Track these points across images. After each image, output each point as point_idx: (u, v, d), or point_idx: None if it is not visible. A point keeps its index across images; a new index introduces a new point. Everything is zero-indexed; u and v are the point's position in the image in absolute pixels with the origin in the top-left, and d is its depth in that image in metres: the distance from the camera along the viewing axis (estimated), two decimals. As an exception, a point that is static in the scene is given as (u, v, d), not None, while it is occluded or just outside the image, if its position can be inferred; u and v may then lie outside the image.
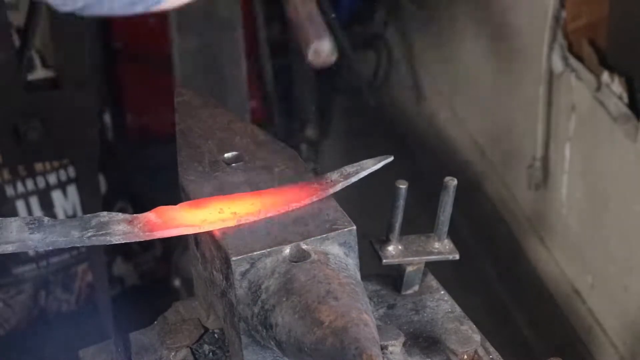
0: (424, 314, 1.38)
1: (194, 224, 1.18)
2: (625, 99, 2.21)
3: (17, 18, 2.38)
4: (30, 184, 2.70)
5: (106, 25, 3.18)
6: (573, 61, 2.40)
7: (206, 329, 1.34)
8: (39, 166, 2.70)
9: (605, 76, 2.27)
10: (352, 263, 1.17)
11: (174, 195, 1.28)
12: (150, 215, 1.20)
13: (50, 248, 1.16)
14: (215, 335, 1.34)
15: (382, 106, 3.59)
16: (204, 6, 2.38)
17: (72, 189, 2.74)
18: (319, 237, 1.16)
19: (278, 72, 3.26)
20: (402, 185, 1.32)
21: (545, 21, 2.45)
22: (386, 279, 1.44)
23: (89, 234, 1.16)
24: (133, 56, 3.22)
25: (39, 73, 2.55)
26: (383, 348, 1.21)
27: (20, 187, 2.69)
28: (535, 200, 2.73)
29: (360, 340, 1.02)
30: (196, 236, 1.26)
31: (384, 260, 1.36)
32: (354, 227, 1.18)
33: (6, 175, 2.68)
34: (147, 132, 3.24)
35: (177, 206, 1.22)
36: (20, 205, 2.70)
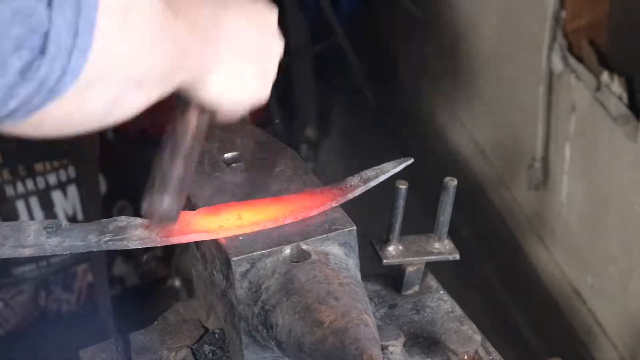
0: (424, 314, 1.38)
1: (211, 230, 1.17)
2: (625, 99, 2.21)
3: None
4: (30, 184, 2.70)
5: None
6: (573, 61, 2.40)
7: (206, 329, 1.34)
8: (39, 166, 2.70)
9: (605, 76, 2.26)
10: (352, 263, 1.17)
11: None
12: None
13: (67, 253, 1.16)
14: (216, 335, 1.34)
15: (382, 106, 3.59)
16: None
17: (72, 189, 2.74)
18: (319, 237, 1.16)
19: (278, 72, 3.26)
20: (402, 185, 1.32)
21: (545, 21, 2.45)
22: (386, 279, 1.44)
23: (106, 239, 1.15)
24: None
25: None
26: (383, 348, 1.21)
27: (20, 187, 2.69)
28: (535, 201, 2.73)
29: (361, 341, 1.02)
30: (196, 236, 1.26)
31: (384, 261, 1.36)
32: (354, 227, 1.18)
33: (6, 175, 2.68)
34: (147, 132, 3.24)
35: (194, 212, 1.21)
36: (20, 205, 2.70)
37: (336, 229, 1.17)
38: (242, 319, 1.15)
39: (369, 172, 1.25)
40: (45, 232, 1.15)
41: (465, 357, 1.27)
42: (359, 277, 1.17)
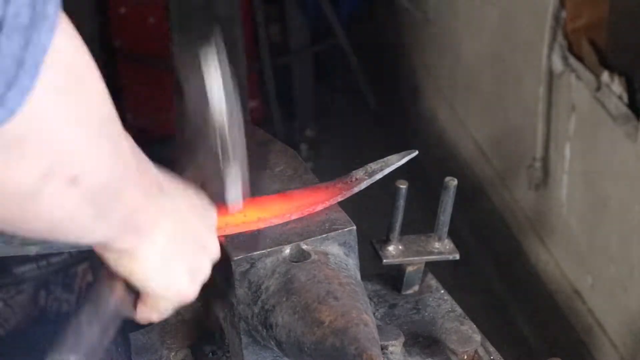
0: (424, 313, 1.37)
1: (218, 227, 1.15)
2: (625, 99, 2.21)
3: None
4: (30, 184, 2.70)
5: (106, 25, 3.18)
6: (573, 61, 2.40)
7: (206, 329, 1.34)
8: (39, 166, 2.70)
9: (605, 76, 2.27)
10: (352, 263, 1.17)
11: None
12: None
13: (52, 252, 1.15)
14: (216, 335, 1.34)
15: (382, 106, 3.59)
16: (204, 5, 2.38)
17: (72, 189, 2.74)
18: (319, 237, 1.16)
19: (278, 72, 3.26)
20: (402, 185, 1.32)
21: (545, 21, 2.45)
22: (386, 279, 1.44)
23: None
24: (133, 56, 3.22)
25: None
26: (383, 348, 1.21)
27: (20, 187, 2.69)
28: (535, 200, 2.73)
29: (360, 340, 1.02)
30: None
31: (385, 260, 1.36)
32: (354, 227, 1.18)
33: (6, 175, 2.68)
34: (147, 132, 3.24)
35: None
36: (20, 205, 2.70)
37: (336, 229, 1.17)
38: (242, 319, 1.15)
39: (373, 166, 1.24)
40: None
41: (465, 357, 1.27)
42: (359, 277, 1.17)
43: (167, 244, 0.98)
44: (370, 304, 1.21)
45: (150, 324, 1.38)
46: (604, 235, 2.41)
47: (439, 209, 1.35)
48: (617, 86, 2.23)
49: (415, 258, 1.37)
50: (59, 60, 0.73)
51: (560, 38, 2.44)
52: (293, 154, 1.31)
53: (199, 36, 2.41)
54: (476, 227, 3.04)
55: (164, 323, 1.36)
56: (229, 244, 1.15)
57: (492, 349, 1.32)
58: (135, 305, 1.04)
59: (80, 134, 0.78)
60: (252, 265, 1.14)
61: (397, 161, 1.24)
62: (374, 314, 1.33)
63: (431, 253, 1.37)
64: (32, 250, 1.13)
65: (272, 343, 1.13)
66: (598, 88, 2.29)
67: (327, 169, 3.42)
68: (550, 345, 2.66)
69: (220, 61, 1.05)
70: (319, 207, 1.19)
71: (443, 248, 1.38)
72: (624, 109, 2.20)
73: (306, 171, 1.28)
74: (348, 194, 1.20)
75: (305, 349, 1.06)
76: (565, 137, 2.51)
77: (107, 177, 0.84)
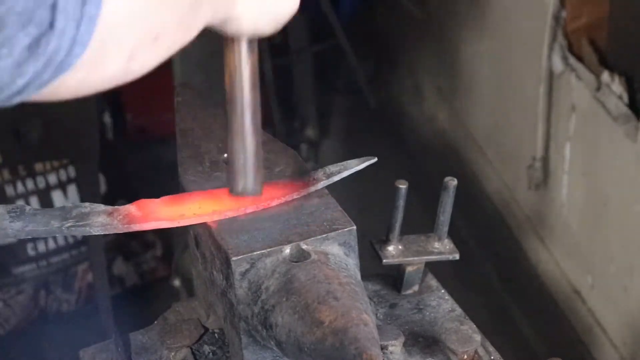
0: (424, 313, 1.37)
1: (172, 218, 1.18)
2: (625, 99, 2.21)
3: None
4: (30, 184, 2.70)
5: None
6: (573, 61, 2.40)
7: (206, 329, 1.34)
8: (39, 166, 2.70)
9: (605, 76, 2.27)
10: (352, 263, 1.17)
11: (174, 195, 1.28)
12: (131, 208, 1.20)
13: (29, 237, 1.16)
14: (215, 335, 1.34)
15: (382, 106, 3.59)
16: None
17: (72, 189, 2.74)
18: (319, 237, 1.16)
19: (278, 72, 3.26)
20: (402, 185, 1.32)
21: (545, 21, 2.45)
22: (386, 279, 1.44)
23: (69, 224, 1.16)
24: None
25: (39, 73, 2.55)
26: (383, 348, 1.21)
27: (20, 187, 2.69)
28: (535, 200, 2.73)
29: (360, 340, 1.02)
30: (196, 236, 1.26)
31: (384, 260, 1.36)
32: (354, 227, 1.18)
33: (6, 175, 2.68)
34: (147, 132, 3.24)
35: (158, 200, 1.22)
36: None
37: (336, 229, 1.17)
38: (242, 319, 1.15)
39: (332, 168, 1.25)
40: (8, 217, 1.16)
41: (465, 357, 1.27)
42: (359, 277, 1.17)
43: None
44: (370, 304, 1.21)
45: (150, 324, 1.38)
46: (604, 235, 2.41)
47: (438, 209, 1.35)
48: (617, 86, 2.23)
49: (415, 258, 1.37)
50: None
51: (560, 38, 2.44)
52: (293, 154, 1.31)
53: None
54: (476, 227, 3.04)
55: (164, 323, 1.36)
56: (228, 244, 1.15)
57: (492, 349, 1.32)
58: None
59: (152, 3, 0.80)
60: (252, 265, 1.14)
61: (356, 166, 1.25)
62: (375, 314, 1.33)
63: (431, 253, 1.37)
64: None
65: (272, 343, 1.13)
66: (598, 88, 2.29)
67: (327, 169, 3.42)
68: (550, 345, 2.66)
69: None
70: (274, 203, 1.20)
71: (443, 248, 1.38)
72: (624, 109, 2.20)
73: (306, 171, 1.28)
74: (304, 192, 1.21)
75: (305, 349, 1.06)
76: (565, 137, 2.51)
77: (185, 10, 0.86)
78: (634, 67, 2.22)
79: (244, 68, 1.09)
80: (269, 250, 1.14)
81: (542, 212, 2.71)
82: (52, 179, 2.72)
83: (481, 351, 1.29)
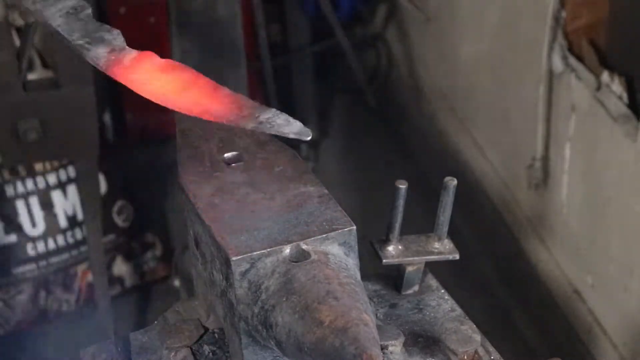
0: (424, 313, 1.38)
1: (148, 89, 1.17)
2: (625, 99, 2.21)
3: (17, 18, 2.38)
4: (30, 184, 2.70)
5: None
6: (573, 61, 2.40)
7: (206, 329, 1.34)
8: (39, 166, 2.70)
9: (605, 76, 2.27)
10: (352, 263, 1.17)
11: (174, 195, 1.28)
12: (130, 57, 1.20)
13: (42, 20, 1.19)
14: (215, 335, 1.34)
15: (382, 106, 3.59)
16: (204, 6, 2.38)
17: (72, 189, 2.74)
18: (319, 237, 1.16)
19: (278, 72, 3.26)
20: (402, 185, 1.32)
21: (545, 21, 2.45)
22: (386, 279, 1.44)
23: (80, 41, 1.20)
24: (133, 56, 3.21)
25: (39, 73, 2.55)
26: (383, 348, 1.21)
27: (20, 187, 2.69)
28: (535, 200, 2.73)
29: (360, 340, 1.02)
30: (196, 236, 1.26)
31: (384, 260, 1.36)
32: (354, 227, 1.18)
33: (6, 175, 2.68)
34: (147, 132, 3.24)
35: (160, 63, 1.19)
36: (20, 205, 2.70)
37: (336, 229, 1.17)
38: (241, 319, 1.15)
39: (274, 117, 1.12)
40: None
41: (465, 357, 1.27)
42: (359, 277, 1.17)
43: None
44: (370, 304, 1.21)
45: (151, 324, 1.38)
46: (604, 235, 2.41)
47: (438, 209, 1.35)
48: (617, 86, 2.23)
49: (415, 258, 1.37)
50: None
51: (560, 38, 2.44)
52: (293, 154, 1.31)
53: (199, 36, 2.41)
54: (476, 227, 3.04)
55: (164, 323, 1.36)
56: (228, 244, 1.15)
57: (492, 349, 1.32)
58: None
59: None
60: (252, 265, 1.14)
61: (288, 132, 1.12)
62: (375, 314, 1.33)
63: (431, 253, 1.37)
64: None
65: (272, 343, 1.13)
66: (598, 88, 2.29)
67: (327, 169, 3.42)
68: (550, 345, 2.66)
69: None
70: (209, 118, 1.13)
71: (443, 248, 1.38)
72: (624, 109, 2.20)
73: (306, 171, 1.28)
74: (234, 122, 1.12)
75: (305, 349, 1.06)
76: (565, 137, 2.51)
77: None
78: (634, 67, 2.22)
79: None
80: (269, 250, 1.14)
81: (542, 212, 2.71)
82: (52, 179, 2.72)
83: (481, 351, 1.29)
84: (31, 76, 2.45)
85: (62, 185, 2.74)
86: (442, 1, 3.21)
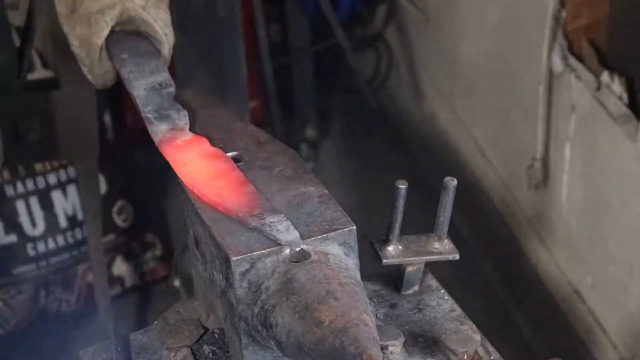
0: (424, 314, 1.37)
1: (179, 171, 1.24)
2: (625, 99, 2.21)
3: (17, 18, 2.38)
4: (30, 184, 2.70)
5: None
6: (573, 61, 2.40)
7: (206, 329, 1.34)
8: (39, 166, 2.70)
9: (605, 76, 2.27)
10: (352, 263, 1.17)
11: (174, 195, 1.29)
12: (184, 138, 1.28)
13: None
14: (215, 335, 1.34)
15: (382, 106, 3.59)
16: (204, 6, 2.38)
17: (72, 189, 2.74)
18: (319, 237, 1.16)
19: (278, 72, 3.26)
20: (402, 185, 1.32)
21: (545, 21, 2.45)
22: (386, 279, 1.44)
23: (148, 109, 1.31)
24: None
25: (39, 73, 2.55)
26: (383, 348, 1.21)
27: (20, 187, 2.69)
28: (535, 200, 2.73)
29: (360, 341, 1.02)
30: (196, 236, 1.26)
31: (384, 260, 1.36)
32: (354, 227, 1.18)
33: (6, 175, 2.68)
34: (147, 132, 3.24)
35: (202, 151, 1.27)
36: (20, 205, 2.70)
37: (336, 229, 1.17)
38: (241, 319, 1.15)
39: (277, 223, 1.17)
40: None
41: (465, 357, 1.27)
42: (359, 277, 1.17)
43: None
44: (370, 304, 1.21)
45: (151, 324, 1.38)
46: (604, 235, 2.41)
47: (438, 209, 1.35)
48: (617, 86, 2.23)
49: (415, 258, 1.37)
50: None
51: (560, 38, 2.44)
52: (293, 154, 1.31)
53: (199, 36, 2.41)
54: (476, 227, 3.04)
55: (164, 323, 1.36)
56: (228, 244, 1.15)
57: (492, 349, 1.32)
58: None
59: None
60: (252, 265, 1.14)
61: (283, 239, 1.17)
62: (375, 314, 1.33)
63: (431, 253, 1.37)
64: None
65: (272, 343, 1.13)
66: (598, 88, 2.29)
67: (327, 169, 3.43)
68: (550, 345, 2.66)
69: None
70: (222, 209, 1.20)
71: (443, 248, 1.38)
72: (624, 109, 2.20)
73: (306, 171, 1.28)
74: (245, 220, 1.18)
75: (305, 349, 1.06)
76: (565, 137, 2.51)
77: None
78: (634, 67, 2.22)
79: None
80: (269, 250, 1.14)
81: (542, 212, 2.71)
82: (52, 179, 2.72)
83: (481, 351, 1.29)
84: (31, 76, 2.45)
85: (62, 185, 2.74)
86: (442, 1, 3.21)
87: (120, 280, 2.91)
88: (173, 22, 1.52)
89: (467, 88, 3.13)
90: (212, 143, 1.31)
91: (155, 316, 1.39)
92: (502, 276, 2.94)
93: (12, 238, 2.71)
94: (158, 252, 2.97)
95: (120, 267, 2.90)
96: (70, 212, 2.76)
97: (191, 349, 1.32)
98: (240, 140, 1.34)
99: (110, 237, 2.83)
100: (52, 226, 2.75)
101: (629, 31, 2.26)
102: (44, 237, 2.74)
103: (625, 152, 2.23)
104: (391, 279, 1.43)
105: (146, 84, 1.35)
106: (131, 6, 1.40)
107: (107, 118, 2.94)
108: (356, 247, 1.18)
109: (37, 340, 2.74)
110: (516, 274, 2.87)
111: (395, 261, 1.37)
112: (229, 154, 1.31)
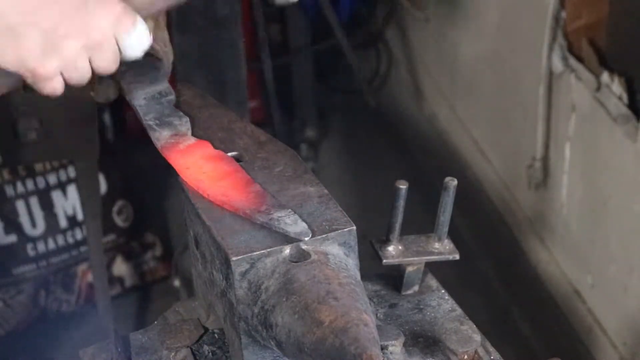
0: (424, 314, 1.38)
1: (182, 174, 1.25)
2: (625, 99, 2.21)
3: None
4: (30, 184, 2.70)
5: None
6: (573, 61, 2.40)
7: (206, 329, 1.34)
8: (39, 166, 2.70)
9: (605, 76, 2.27)
10: (352, 263, 1.17)
11: (174, 195, 1.29)
12: (187, 143, 1.29)
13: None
14: (215, 335, 1.34)
15: (382, 106, 3.58)
16: (204, 5, 2.38)
17: (72, 189, 2.74)
18: (319, 237, 1.16)
19: (278, 72, 3.26)
20: (402, 186, 1.32)
21: (545, 21, 2.45)
22: (386, 279, 1.44)
23: (149, 117, 1.31)
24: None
25: (39, 73, 2.54)
26: (383, 348, 1.21)
27: (20, 187, 2.69)
28: (535, 200, 2.73)
29: (360, 341, 1.02)
30: (196, 236, 1.26)
31: (384, 261, 1.36)
32: (354, 227, 1.18)
33: (6, 175, 2.68)
34: (147, 132, 3.24)
35: (206, 155, 1.27)
36: (20, 205, 2.70)
37: (336, 229, 1.17)
38: (241, 319, 1.15)
39: (285, 217, 1.18)
40: None
41: (465, 357, 1.27)
42: (359, 277, 1.17)
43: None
44: (370, 304, 1.21)
45: (150, 324, 1.38)
46: (604, 235, 2.41)
47: (439, 209, 1.35)
48: (617, 86, 2.23)
49: (415, 258, 1.37)
50: None
51: (560, 38, 2.44)
52: (293, 154, 1.31)
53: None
54: (476, 227, 3.04)
55: (164, 323, 1.36)
56: (228, 244, 1.15)
57: (492, 349, 1.32)
58: None
59: None
60: (252, 265, 1.14)
61: (292, 231, 1.18)
62: (375, 314, 1.33)
63: (431, 253, 1.37)
64: None
65: (272, 343, 1.13)
66: (598, 88, 2.29)
67: (327, 169, 3.42)
68: (550, 345, 2.66)
69: None
70: (229, 207, 1.21)
71: (443, 248, 1.38)
72: (624, 109, 2.20)
73: (306, 171, 1.28)
74: (253, 216, 1.18)
75: (305, 349, 1.06)
76: (565, 137, 2.51)
77: None
78: (634, 67, 2.22)
79: None
80: (269, 250, 1.14)
81: (542, 212, 2.71)
82: (52, 179, 2.72)
83: (481, 351, 1.29)
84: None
85: (62, 185, 2.74)
86: (442, 1, 3.21)
87: (120, 280, 2.91)
88: (173, 22, 1.53)
89: (467, 88, 3.13)
90: (213, 144, 1.31)
91: (155, 316, 1.39)
92: (502, 276, 2.94)
93: (12, 238, 2.71)
94: (158, 252, 2.97)
95: (120, 267, 2.90)
96: (70, 212, 2.76)
97: (191, 349, 1.32)
98: (240, 140, 1.34)
99: (110, 237, 2.83)
100: (52, 226, 2.75)
101: (629, 31, 2.26)
102: (44, 237, 2.74)
103: (625, 152, 2.23)
104: (391, 279, 1.43)
105: (146, 94, 1.36)
106: None
107: (107, 118, 2.94)
108: (356, 247, 1.18)
109: (37, 340, 2.74)
110: (516, 274, 2.87)
111: (396, 261, 1.37)
112: (229, 154, 1.31)
